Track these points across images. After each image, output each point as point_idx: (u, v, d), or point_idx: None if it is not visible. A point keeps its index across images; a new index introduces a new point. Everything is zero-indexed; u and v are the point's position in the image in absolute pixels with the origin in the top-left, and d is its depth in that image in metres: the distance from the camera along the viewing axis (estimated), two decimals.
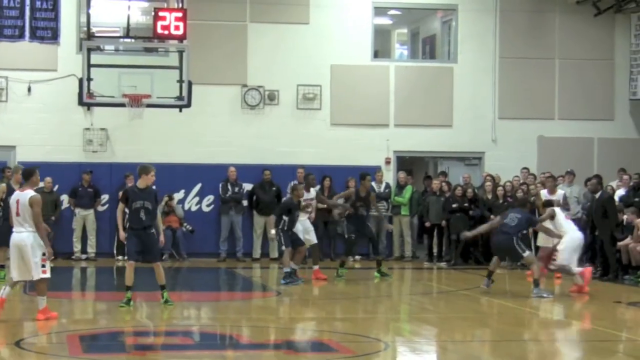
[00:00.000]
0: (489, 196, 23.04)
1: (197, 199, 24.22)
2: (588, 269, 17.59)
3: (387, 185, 24.30)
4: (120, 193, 15.60)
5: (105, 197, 23.64)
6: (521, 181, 23.38)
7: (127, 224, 15.00)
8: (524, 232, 17.85)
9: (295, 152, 24.44)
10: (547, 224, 17.72)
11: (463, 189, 23.20)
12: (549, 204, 18.36)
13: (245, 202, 24.00)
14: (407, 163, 26.31)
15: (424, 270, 22.77)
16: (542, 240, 18.83)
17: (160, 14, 18.72)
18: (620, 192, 21.54)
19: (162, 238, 15.36)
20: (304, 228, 19.36)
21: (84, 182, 23.43)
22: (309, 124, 24.78)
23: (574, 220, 18.96)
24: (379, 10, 25.79)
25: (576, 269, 17.32)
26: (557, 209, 17.98)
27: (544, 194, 20.46)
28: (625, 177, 22.22)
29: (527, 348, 12.48)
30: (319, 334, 13.25)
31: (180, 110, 19.79)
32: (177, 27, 18.62)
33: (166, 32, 18.68)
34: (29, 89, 23.83)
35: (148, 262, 14.97)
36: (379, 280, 19.55)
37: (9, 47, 23.50)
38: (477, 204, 22.91)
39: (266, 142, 24.42)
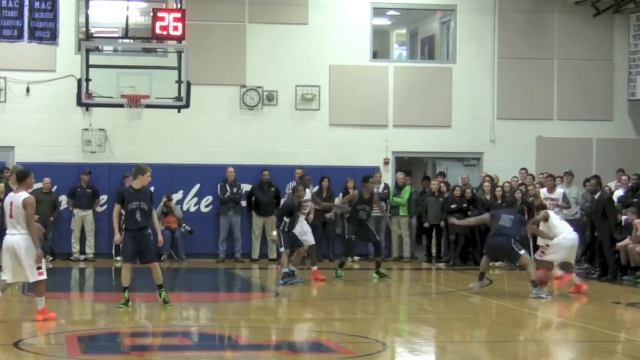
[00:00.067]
0: (488, 197, 23.02)
1: (195, 199, 24.21)
2: (567, 278, 17.40)
3: (386, 186, 24.30)
4: (116, 194, 15.58)
5: (103, 198, 23.63)
6: (520, 182, 23.39)
7: (123, 225, 14.98)
8: (521, 233, 17.85)
9: (294, 152, 24.43)
10: (541, 226, 17.69)
11: (462, 190, 23.19)
12: (542, 207, 18.38)
13: (244, 203, 24.00)
14: (406, 163, 26.31)
15: (423, 271, 22.77)
16: (543, 240, 18.79)
17: (159, 14, 18.74)
18: (618, 193, 21.53)
19: (160, 237, 15.34)
20: (301, 229, 19.34)
21: (82, 183, 23.42)
22: (307, 124, 24.78)
23: (569, 221, 18.96)
24: (378, 11, 25.79)
25: (558, 272, 17.27)
26: (551, 212, 17.99)
27: (543, 192, 20.50)
28: (624, 177, 22.21)
29: (525, 349, 12.48)
30: (317, 334, 13.25)
31: (179, 111, 19.81)
32: (175, 28, 18.63)
33: (165, 32, 18.69)
34: (28, 90, 23.82)
35: (145, 262, 14.96)
36: (377, 280, 19.54)
37: (7, 48, 23.46)
38: (475, 205, 22.89)
39: (265, 143, 24.42)
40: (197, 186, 24.17)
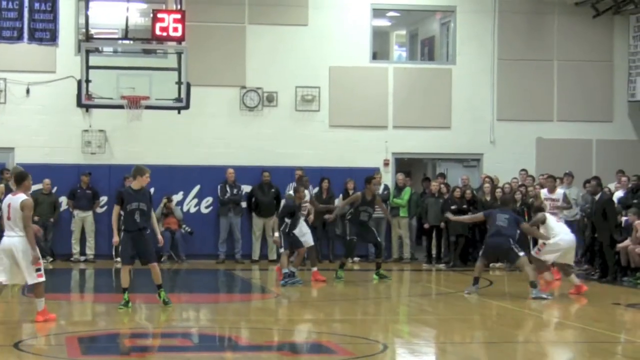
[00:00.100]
0: (488, 198, 23.01)
1: (195, 200, 24.20)
2: (556, 282, 17.38)
3: (386, 187, 24.29)
4: (116, 195, 15.55)
5: (103, 199, 23.62)
6: (520, 183, 23.39)
7: (122, 226, 14.98)
8: (519, 232, 17.84)
9: (294, 153, 24.43)
10: (539, 228, 17.68)
11: (462, 191, 23.19)
12: (540, 209, 18.38)
13: (244, 204, 23.99)
14: (406, 164, 26.31)
15: (423, 272, 22.76)
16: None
17: (159, 15, 18.76)
18: (618, 194, 21.53)
19: (160, 237, 15.34)
20: (300, 230, 19.32)
21: (82, 184, 23.41)
22: (307, 125, 24.78)
23: (569, 222, 18.95)
24: (378, 12, 25.79)
25: (548, 275, 17.24)
26: (548, 214, 17.99)
27: (544, 193, 20.49)
28: (624, 178, 22.21)
29: (526, 350, 12.47)
30: (317, 335, 13.25)
31: (179, 112, 19.83)
32: (175, 29, 18.64)
33: (165, 33, 18.71)
34: (28, 91, 23.81)
35: (144, 263, 14.95)
36: (377, 282, 19.54)
37: (7, 49, 23.47)
38: (475, 206, 22.88)
39: (265, 144, 24.42)
40: (197, 187, 24.16)
